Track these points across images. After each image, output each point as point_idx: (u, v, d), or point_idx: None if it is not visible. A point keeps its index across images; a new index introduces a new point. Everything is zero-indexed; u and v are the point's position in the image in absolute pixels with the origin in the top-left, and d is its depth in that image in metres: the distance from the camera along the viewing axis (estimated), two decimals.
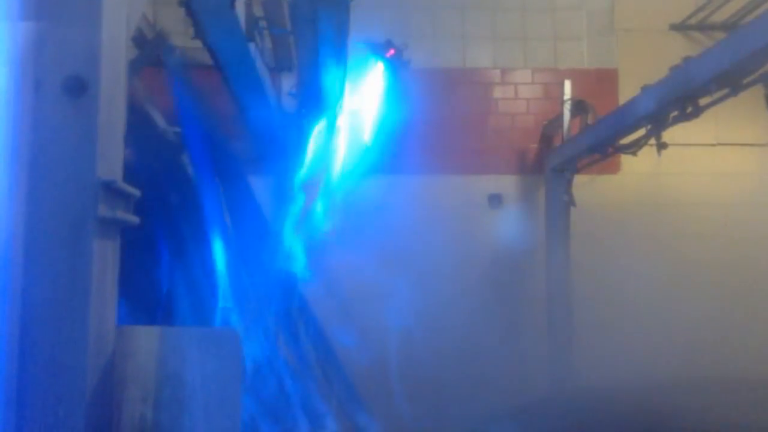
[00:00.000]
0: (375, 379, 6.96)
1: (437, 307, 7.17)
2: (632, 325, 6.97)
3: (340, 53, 4.87)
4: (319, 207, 6.37)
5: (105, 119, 1.82)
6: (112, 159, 1.86)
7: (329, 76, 5.20)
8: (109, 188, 1.79)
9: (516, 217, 7.66)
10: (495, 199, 7.68)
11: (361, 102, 6.54)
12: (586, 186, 7.16)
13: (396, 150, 7.18)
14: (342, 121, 5.98)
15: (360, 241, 6.92)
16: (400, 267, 7.14)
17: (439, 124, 7.57)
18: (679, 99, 4.82)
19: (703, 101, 4.75)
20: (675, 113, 5.00)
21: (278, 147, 6.21)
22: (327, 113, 5.93)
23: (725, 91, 4.48)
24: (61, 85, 1.79)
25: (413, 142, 7.35)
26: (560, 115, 7.25)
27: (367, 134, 6.79)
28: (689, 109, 4.80)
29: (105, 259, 1.80)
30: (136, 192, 1.89)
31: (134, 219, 1.91)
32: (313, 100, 5.80)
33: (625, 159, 7.38)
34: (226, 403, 1.70)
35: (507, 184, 7.71)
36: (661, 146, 5.34)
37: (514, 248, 7.56)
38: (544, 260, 7.29)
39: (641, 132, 5.64)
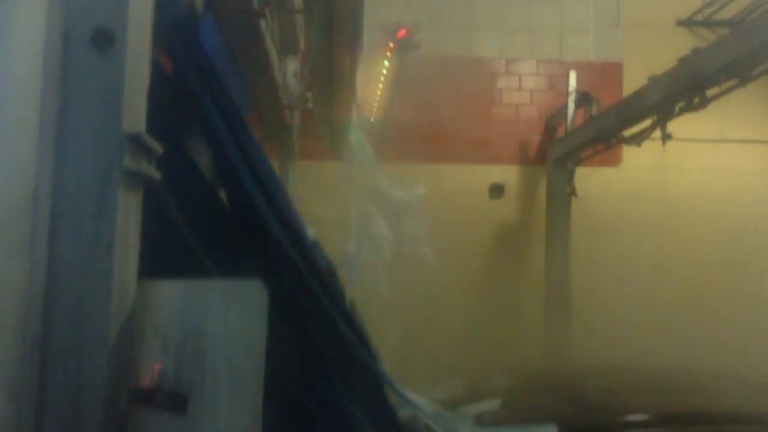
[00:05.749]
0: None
1: (436, 295, 7.18)
2: (629, 317, 7.01)
3: (354, 35, 4.85)
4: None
5: (131, 72, 1.82)
6: (137, 112, 1.87)
7: (339, 59, 5.17)
8: (135, 141, 1.79)
9: (517, 207, 7.68)
10: (496, 189, 7.70)
11: (371, 86, 6.51)
12: (586, 178, 7.18)
13: (398, 137, 7.17)
14: (353, 106, 5.93)
15: (359, 228, 6.91)
16: (399, 254, 7.15)
17: (442, 112, 7.56)
18: (686, 89, 4.84)
19: (710, 92, 4.77)
20: (681, 104, 5.01)
21: (282, 128, 6.17)
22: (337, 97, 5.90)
23: (733, 81, 4.50)
24: (90, 38, 1.79)
25: (416, 129, 7.35)
26: (564, 107, 7.26)
27: (374, 118, 6.76)
28: (696, 100, 4.83)
29: (129, 212, 1.81)
30: (159, 147, 1.90)
31: (157, 174, 1.91)
32: (322, 84, 5.78)
33: (627, 152, 7.41)
34: (250, 357, 1.71)
35: (509, 174, 7.73)
36: (666, 137, 5.34)
37: (514, 238, 7.59)
38: (543, 250, 7.31)
39: (646, 123, 5.65)
